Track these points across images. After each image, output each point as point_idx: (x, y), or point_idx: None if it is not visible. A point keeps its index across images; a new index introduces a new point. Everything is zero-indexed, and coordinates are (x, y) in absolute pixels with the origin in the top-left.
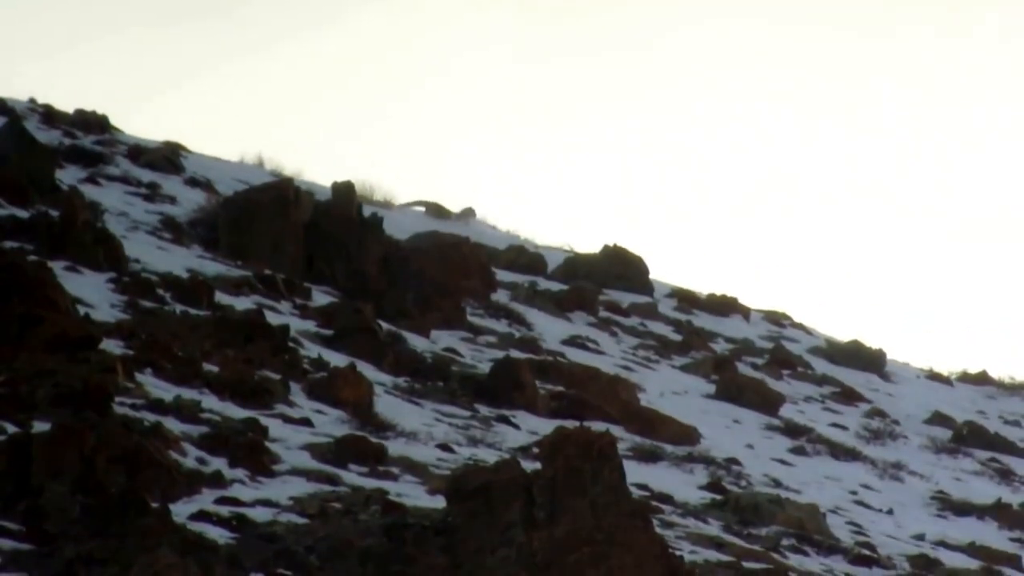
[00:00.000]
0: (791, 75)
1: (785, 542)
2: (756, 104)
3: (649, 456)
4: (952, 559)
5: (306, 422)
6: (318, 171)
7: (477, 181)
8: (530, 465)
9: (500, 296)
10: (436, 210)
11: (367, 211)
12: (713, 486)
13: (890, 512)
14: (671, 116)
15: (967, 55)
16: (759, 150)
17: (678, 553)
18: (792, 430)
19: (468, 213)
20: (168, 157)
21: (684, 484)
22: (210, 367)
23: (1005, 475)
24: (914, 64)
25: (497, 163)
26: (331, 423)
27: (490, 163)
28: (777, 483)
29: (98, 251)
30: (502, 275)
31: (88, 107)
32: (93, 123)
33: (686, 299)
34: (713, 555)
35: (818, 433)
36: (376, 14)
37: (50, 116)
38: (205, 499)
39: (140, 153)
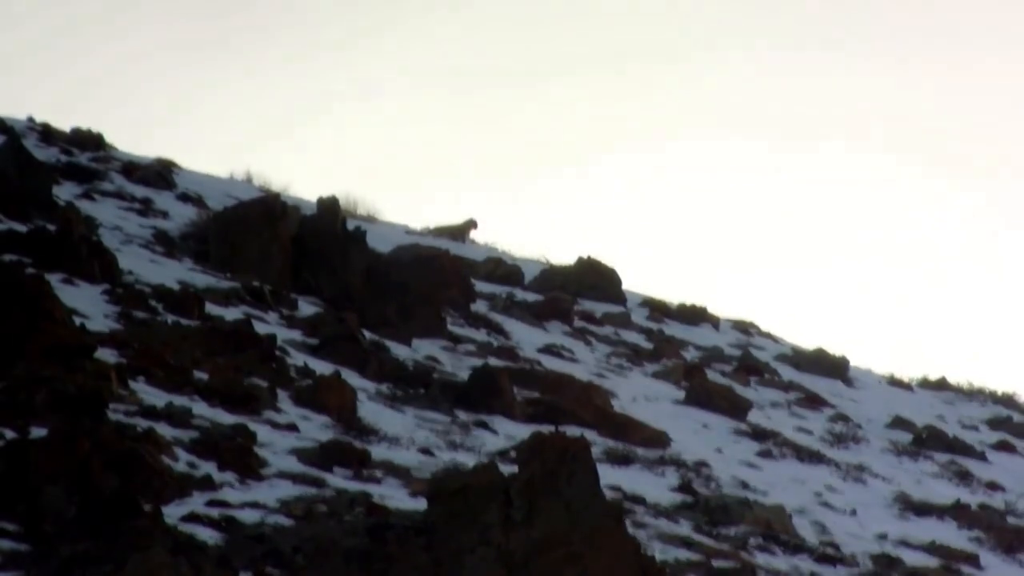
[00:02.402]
0: (758, 87)
1: (753, 541)
2: (724, 116)
3: (622, 459)
4: (913, 558)
5: (292, 427)
6: (304, 187)
7: (456, 196)
8: (508, 468)
9: (479, 306)
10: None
11: (351, 225)
12: (683, 488)
13: (853, 513)
14: (643, 130)
15: (935, 75)
16: (727, 163)
17: (650, 552)
18: (759, 434)
19: (469, 225)
20: (160, 173)
21: (655, 486)
22: (200, 375)
23: (964, 477)
24: (886, 77)
25: (476, 179)
26: (316, 428)
27: (469, 179)
28: (745, 485)
29: (93, 264)
30: (481, 286)
31: (84, 126)
32: (89, 141)
33: (658, 309)
34: (683, 554)
35: (784, 437)
36: (357, 31)
37: (48, 134)
38: (196, 501)
39: (134, 169)
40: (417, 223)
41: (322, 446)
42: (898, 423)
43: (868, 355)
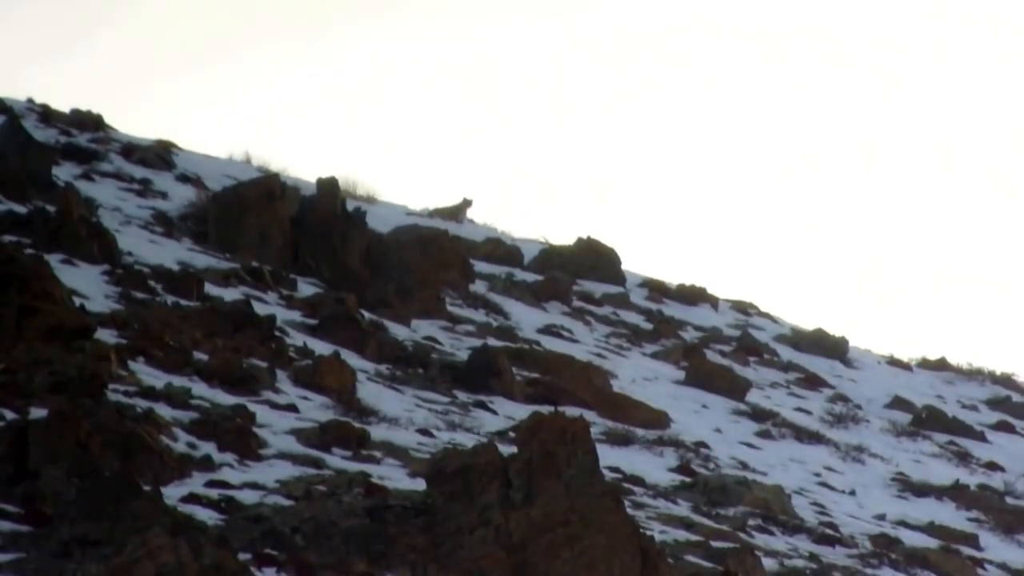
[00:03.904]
0: (757, 65)
1: (752, 522)
2: (723, 96)
3: (621, 440)
4: (912, 538)
5: (292, 408)
6: (303, 167)
7: (455, 177)
8: (507, 449)
9: (478, 287)
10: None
11: (350, 205)
12: (682, 468)
13: (852, 493)
14: (643, 112)
15: (922, 53)
16: (728, 143)
17: (649, 533)
18: (758, 414)
19: (465, 204)
20: (160, 154)
21: (654, 467)
22: (200, 356)
23: (963, 457)
24: (888, 55)
25: (475, 159)
26: (316, 409)
27: (468, 158)
28: (744, 465)
29: (93, 245)
30: (480, 267)
31: (84, 107)
32: (88, 122)
33: (657, 289)
34: (682, 535)
35: (783, 417)
36: (356, 15)
37: (47, 115)
38: (195, 482)
39: (133, 151)
40: (417, 203)
41: (321, 426)
42: (897, 403)
43: (868, 335)
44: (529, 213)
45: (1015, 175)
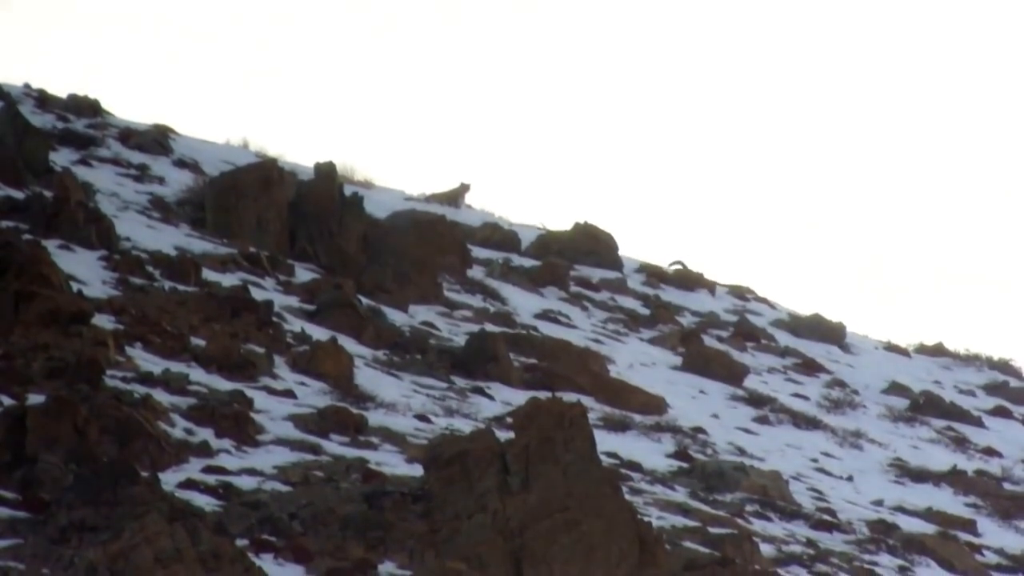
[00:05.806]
0: (757, 53)
1: (749, 508)
2: (723, 84)
3: (618, 425)
4: (909, 524)
5: (289, 394)
6: (301, 153)
7: (453, 161)
8: (504, 435)
9: (475, 272)
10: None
11: (348, 191)
12: (680, 454)
13: (850, 479)
14: (642, 98)
15: (950, 43)
16: (724, 129)
17: (646, 519)
18: (756, 400)
19: (463, 189)
20: (157, 139)
21: (652, 452)
22: (197, 341)
23: (960, 443)
24: (887, 55)
25: (472, 144)
26: (313, 395)
27: (465, 143)
28: (741, 451)
29: (90, 230)
30: (477, 252)
31: (80, 92)
32: (85, 107)
33: (654, 274)
34: (680, 520)
35: (781, 403)
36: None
37: (44, 101)
38: (192, 468)
39: (130, 136)
40: (414, 188)
41: (319, 412)
42: (895, 389)
43: (865, 320)
44: (527, 198)
45: (1014, 174)
